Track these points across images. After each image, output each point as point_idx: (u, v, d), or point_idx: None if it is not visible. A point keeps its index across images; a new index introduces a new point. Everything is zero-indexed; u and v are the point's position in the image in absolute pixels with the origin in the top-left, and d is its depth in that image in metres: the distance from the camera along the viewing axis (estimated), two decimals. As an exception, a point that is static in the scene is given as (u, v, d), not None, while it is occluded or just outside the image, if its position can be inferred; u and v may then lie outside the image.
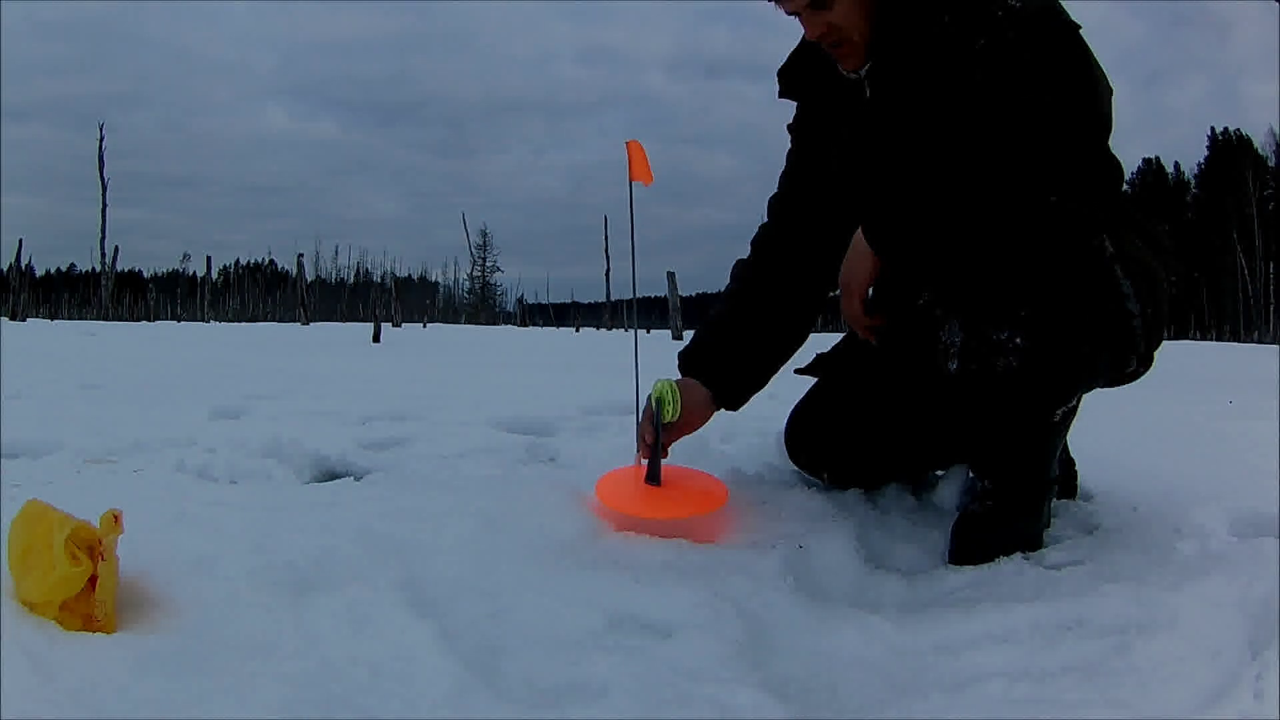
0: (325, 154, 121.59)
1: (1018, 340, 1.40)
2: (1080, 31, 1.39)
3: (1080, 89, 1.37)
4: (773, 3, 1.54)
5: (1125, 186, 1.58)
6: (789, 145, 1.78)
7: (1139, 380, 1.53)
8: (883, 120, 1.57)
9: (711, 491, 1.59)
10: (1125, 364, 1.48)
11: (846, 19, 1.51)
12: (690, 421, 1.67)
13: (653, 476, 1.58)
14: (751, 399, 1.77)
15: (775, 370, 1.76)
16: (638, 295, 1.87)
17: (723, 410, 1.75)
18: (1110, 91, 1.42)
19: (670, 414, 1.59)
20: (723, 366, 1.71)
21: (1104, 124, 1.43)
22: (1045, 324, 1.39)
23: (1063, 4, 1.42)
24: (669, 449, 1.66)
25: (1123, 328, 1.43)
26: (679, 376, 1.71)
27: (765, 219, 1.82)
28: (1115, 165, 1.52)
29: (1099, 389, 1.53)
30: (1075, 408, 1.55)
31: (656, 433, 1.59)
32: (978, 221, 1.39)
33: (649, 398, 1.63)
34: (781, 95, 1.73)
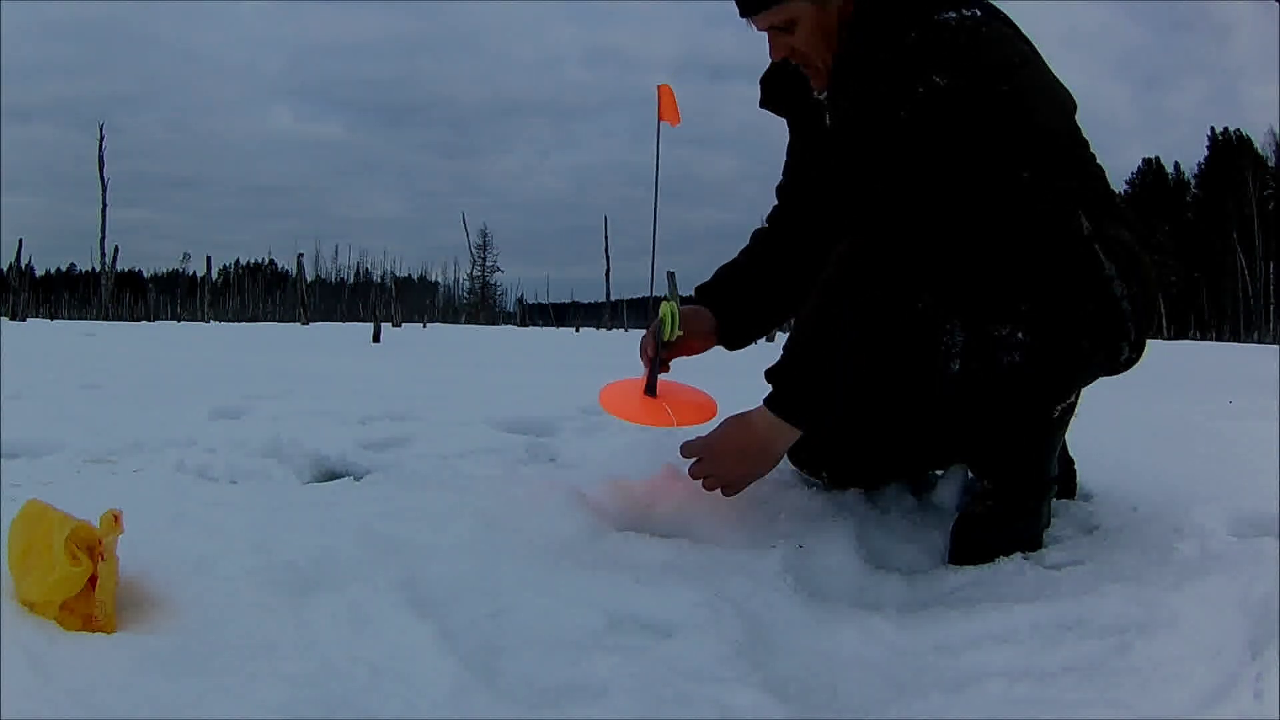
0: (330, 155, 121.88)
1: (1020, 335, 1.40)
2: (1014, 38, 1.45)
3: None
4: (745, 20, 1.56)
5: (1115, 189, 1.60)
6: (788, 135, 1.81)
7: (1138, 380, 1.54)
8: (839, 144, 1.59)
9: (702, 404, 1.75)
10: (1118, 352, 1.48)
11: (807, 44, 1.54)
12: (691, 345, 1.76)
13: (650, 388, 1.73)
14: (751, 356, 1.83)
15: (776, 322, 1.83)
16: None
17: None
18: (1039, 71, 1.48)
19: (669, 333, 1.71)
20: (730, 301, 1.79)
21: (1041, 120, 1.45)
22: (1046, 318, 1.39)
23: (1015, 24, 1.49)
24: (669, 364, 1.78)
25: (1111, 312, 1.42)
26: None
27: (776, 203, 1.86)
28: (1085, 156, 1.54)
29: (1097, 381, 1.53)
30: (1074, 404, 1.55)
31: (657, 348, 1.70)
32: (955, 215, 1.39)
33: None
34: (761, 105, 1.77)
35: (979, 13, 1.44)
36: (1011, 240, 1.39)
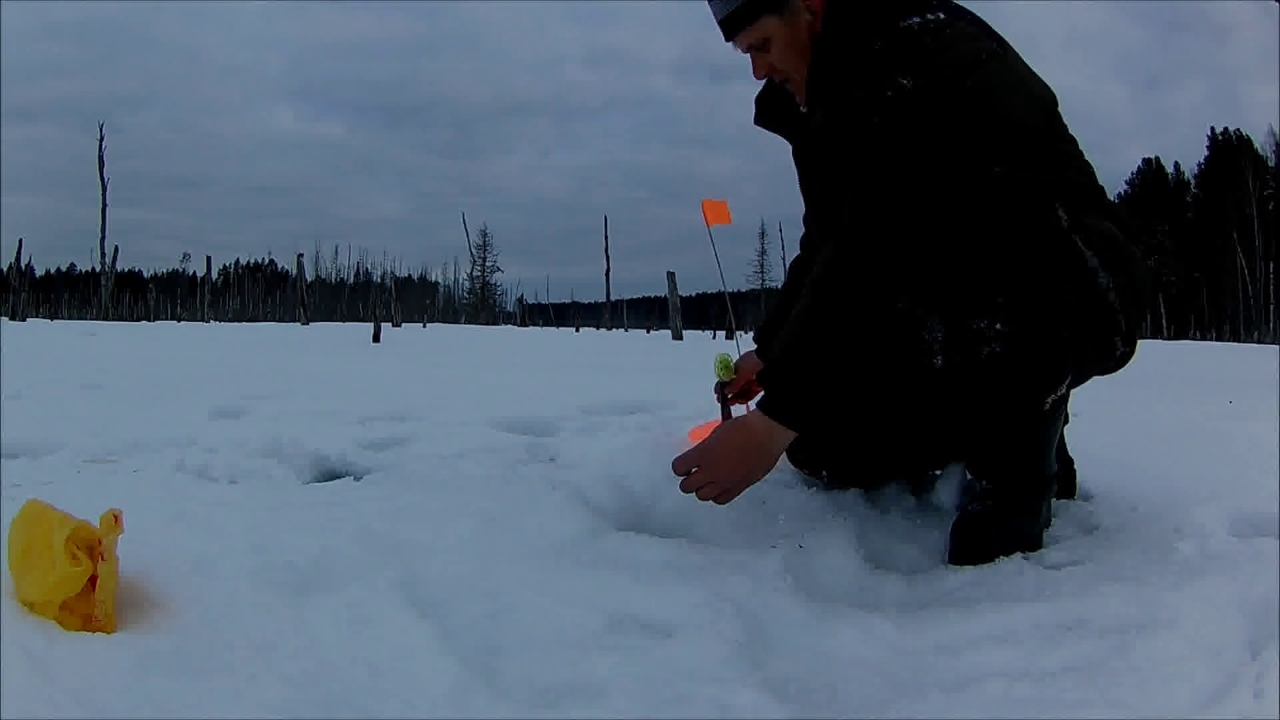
0: (331, 155, 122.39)
1: (998, 326, 1.40)
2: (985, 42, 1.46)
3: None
4: (730, 44, 1.60)
5: (1110, 190, 1.60)
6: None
7: (1138, 380, 1.53)
8: (820, 153, 1.61)
9: None
10: (1111, 346, 1.47)
11: (782, 60, 1.57)
12: (754, 383, 1.92)
13: (726, 418, 1.95)
14: None
15: None
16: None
17: None
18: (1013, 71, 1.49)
19: (720, 375, 1.98)
20: (766, 339, 1.97)
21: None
22: (1023, 308, 1.40)
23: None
24: (738, 402, 1.99)
25: (1099, 304, 1.42)
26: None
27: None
28: (1072, 154, 1.53)
29: (1095, 379, 1.53)
30: (1065, 396, 1.54)
31: (722, 389, 1.96)
32: (928, 212, 1.40)
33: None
34: (755, 122, 1.79)
35: (943, 15, 1.46)
36: (984, 234, 1.40)
